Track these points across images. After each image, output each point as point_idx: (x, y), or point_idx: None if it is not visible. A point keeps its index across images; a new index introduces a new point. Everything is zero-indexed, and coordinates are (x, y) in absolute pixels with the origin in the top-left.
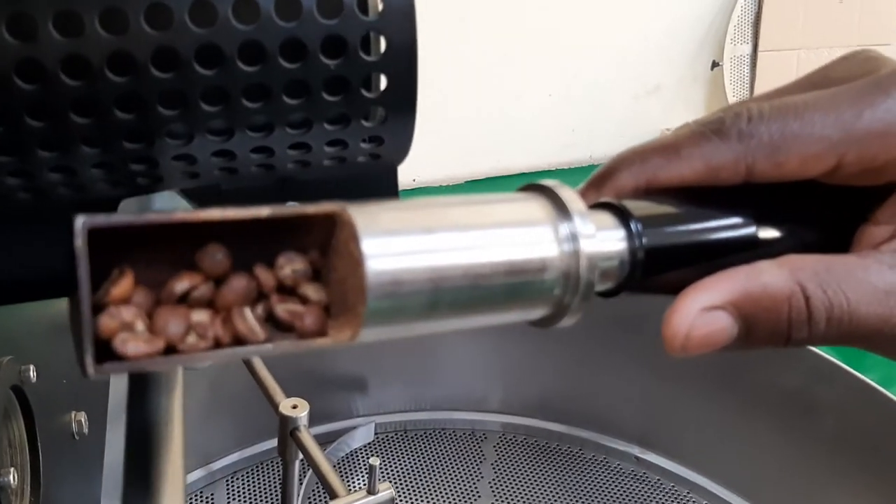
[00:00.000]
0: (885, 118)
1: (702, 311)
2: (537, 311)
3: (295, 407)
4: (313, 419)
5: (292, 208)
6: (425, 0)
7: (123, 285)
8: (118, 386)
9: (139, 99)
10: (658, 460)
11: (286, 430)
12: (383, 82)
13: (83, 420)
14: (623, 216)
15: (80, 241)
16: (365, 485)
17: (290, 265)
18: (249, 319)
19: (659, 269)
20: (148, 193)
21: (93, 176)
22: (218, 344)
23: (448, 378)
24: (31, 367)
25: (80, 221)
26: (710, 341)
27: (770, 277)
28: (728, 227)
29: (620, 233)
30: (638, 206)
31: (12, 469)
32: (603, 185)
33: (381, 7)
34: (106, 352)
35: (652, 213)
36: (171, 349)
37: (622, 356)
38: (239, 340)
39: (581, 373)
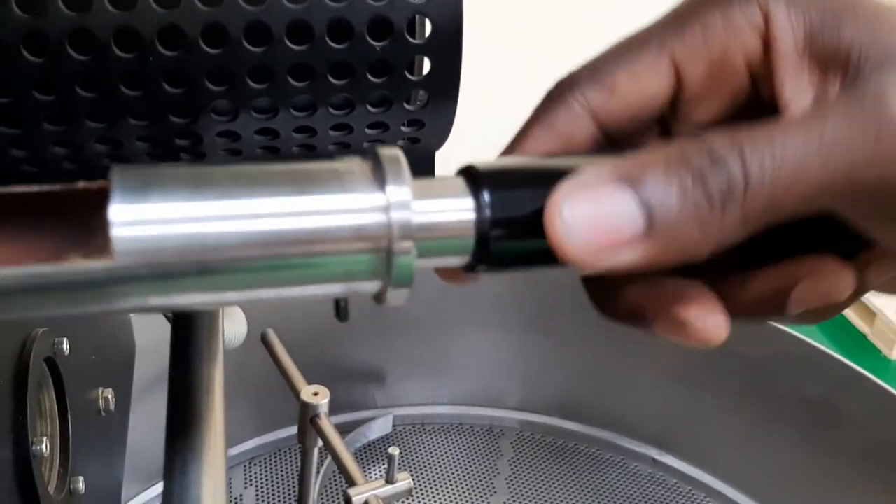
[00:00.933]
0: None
1: (565, 195)
2: (356, 287)
3: (316, 394)
4: (332, 408)
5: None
6: None
7: None
8: (145, 367)
9: (187, 74)
10: (676, 463)
11: (306, 417)
12: (427, 66)
13: (110, 397)
14: (474, 180)
15: None
16: (382, 475)
17: None
18: None
19: (514, 243)
20: None
21: (137, 149)
22: None
23: (467, 373)
24: (65, 339)
25: None
26: (598, 220)
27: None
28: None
29: (467, 201)
30: (500, 171)
31: (45, 438)
32: (512, 151)
33: None
34: None
35: (506, 172)
36: None
37: (643, 358)
38: None
39: (601, 373)
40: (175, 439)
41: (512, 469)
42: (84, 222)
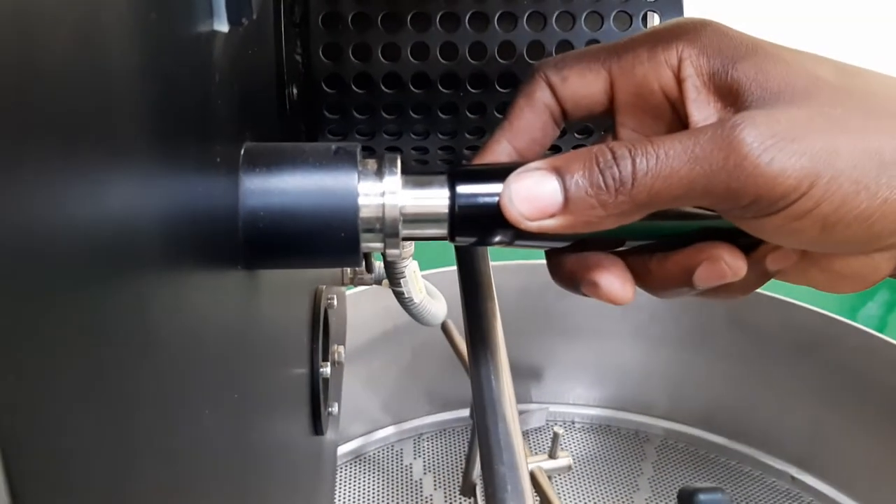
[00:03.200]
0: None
1: (516, 175)
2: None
3: None
4: None
5: None
6: None
7: None
8: (356, 336)
9: (482, 105)
10: (814, 482)
11: None
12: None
13: (342, 351)
14: (451, 177)
15: None
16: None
17: None
18: None
19: (475, 221)
20: None
21: (437, 155)
22: None
23: (619, 379)
24: (335, 295)
25: None
26: (531, 193)
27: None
28: None
29: (444, 191)
30: (463, 170)
31: (328, 363)
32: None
33: None
34: None
35: (473, 171)
36: None
37: (789, 377)
38: None
39: (747, 389)
40: (476, 346)
41: (655, 471)
42: None
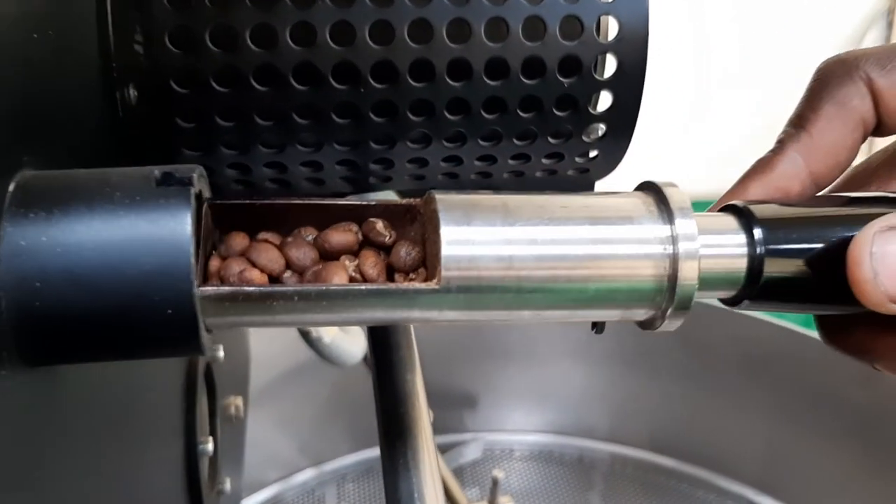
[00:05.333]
0: None
1: (883, 229)
2: (630, 313)
3: None
4: None
5: (397, 200)
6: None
7: (237, 236)
8: (260, 375)
9: (393, 105)
10: None
11: None
12: (608, 100)
13: (240, 404)
14: (745, 219)
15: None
16: (475, 499)
17: (403, 247)
18: (340, 266)
19: (787, 280)
20: (372, 192)
21: (335, 172)
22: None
23: (558, 402)
24: (221, 346)
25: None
26: None
27: None
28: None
29: (739, 237)
30: (766, 210)
31: (210, 438)
32: (732, 198)
33: (616, 30)
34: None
35: (780, 215)
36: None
37: (742, 395)
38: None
39: (697, 409)
40: (391, 443)
41: (603, 501)
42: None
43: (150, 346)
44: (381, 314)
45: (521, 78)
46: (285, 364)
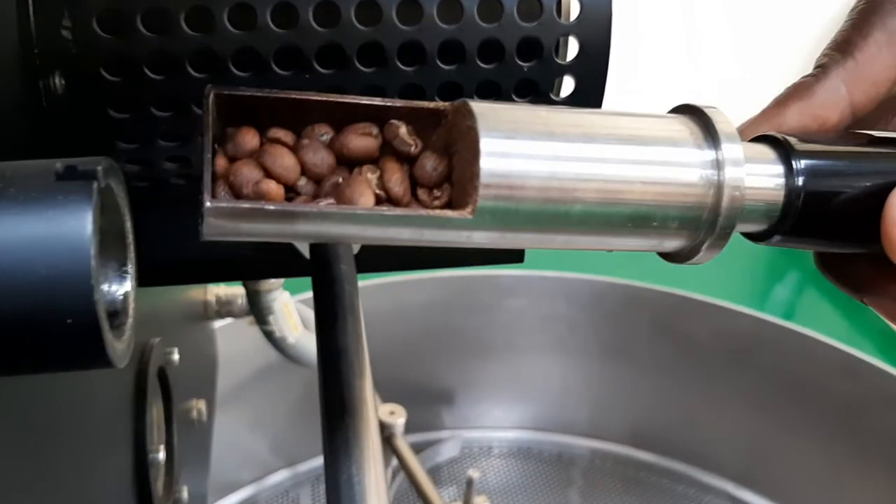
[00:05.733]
0: None
1: None
2: (664, 242)
3: (392, 413)
4: None
5: (423, 102)
6: None
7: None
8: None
9: (341, 91)
10: (754, 499)
11: (382, 436)
12: (570, 85)
13: (203, 408)
14: (784, 150)
15: (206, 101)
16: (452, 498)
17: (429, 161)
18: (364, 183)
19: (820, 217)
20: None
21: None
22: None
23: (537, 398)
24: (175, 349)
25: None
26: None
27: None
28: None
29: (777, 168)
30: (806, 143)
31: (161, 446)
32: (766, 123)
33: (577, 11)
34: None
35: (820, 150)
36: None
37: (723, 387)
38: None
39: (676, 401)
40: (335, 456)
41: (582, 497)
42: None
43: (50, 360)
44: (406, 235)
45: (478, 62)
46: (257, 363)
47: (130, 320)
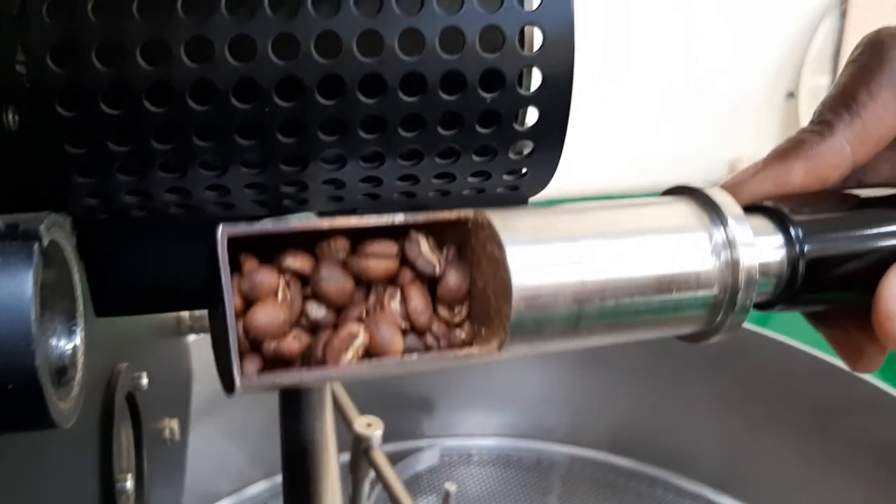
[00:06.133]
0: None
1: None
2: (687, 327)
3: (369, 425)
4: None
5: (429, 214)
6: None
7: (262, 272)
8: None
9: (302, 124)
10: None
11: (359, 448)
12: (534, 116)
13: (175, 427)
14: (780, 219)
15: (221, 248)
16: None
17: (453, 279)
18: (392, 324)
19: (820, 282)
20: (289, 214)
21: (245, 196)
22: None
23: (516, 404)
24: (144, 373)
25: (221, 229)
26: None
27: None
28: None
29: (778, 238)
30: (801, 212)
31: (129, 475)
32: (736, 193)
33: (540, 42)
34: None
35: (812, 216)
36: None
37: (700, 393)
38: (379, 351)
39: (655, 407)
40: (295, 497)
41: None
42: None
43: None
44: (429, 369)
45: (440, 93)
46: None
47: (80, 375)
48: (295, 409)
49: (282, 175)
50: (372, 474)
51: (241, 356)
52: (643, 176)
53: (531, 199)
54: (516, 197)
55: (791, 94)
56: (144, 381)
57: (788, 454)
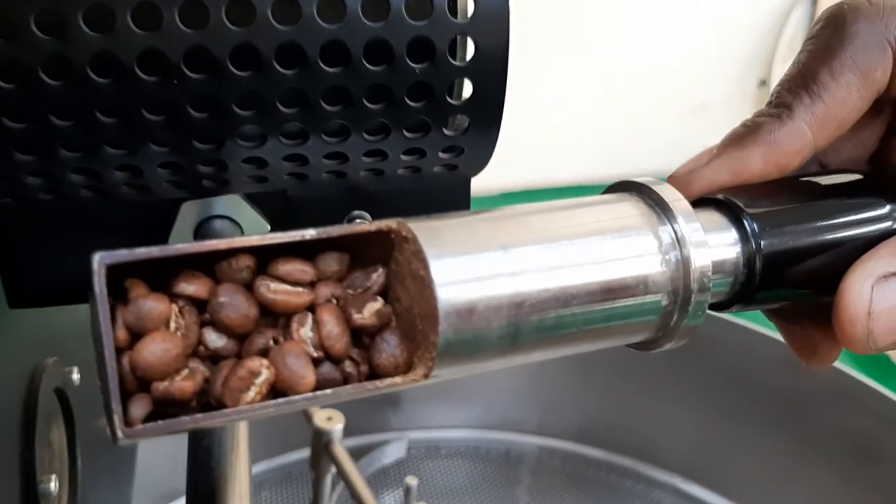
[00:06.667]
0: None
1: (879, 279)
2: (637, 335)
3: (330, 419)
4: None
5: (341, 227)
6: None
7: (152, 300)
8: None
9: (215, 98)
10: (702, 493)
11: (320, 443)
12: (468, 89)
13: None
14: (733, 213)
15: (98, 279)
16: (397, 502)
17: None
18: (302, 355)
19: (779, 280)
20: (212, 196)
21: (158, 177)
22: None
23: (484, 396)
24: (75, 368)
25: (97, 258)
26: None
27: None
28: (866, 220)
29: (731, 234)
30: (757, 205)
31: (53, 476)
32: (689, 183)
33: (472, 9)
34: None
35: (768, 209)
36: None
37: (670, 383)
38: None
39: (624, 397)
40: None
41: (531, 497)
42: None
43: None
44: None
45: (365, 64)
46: None
47: None
48: (205, 447)
49: (197, 154)
50: (333, 470)
51: (128, 397)
52: (612, 167)
53: (500, 190)
54: (457, 177)
55: (763, 83)
56: (76, 375)
57: (758, 442)
